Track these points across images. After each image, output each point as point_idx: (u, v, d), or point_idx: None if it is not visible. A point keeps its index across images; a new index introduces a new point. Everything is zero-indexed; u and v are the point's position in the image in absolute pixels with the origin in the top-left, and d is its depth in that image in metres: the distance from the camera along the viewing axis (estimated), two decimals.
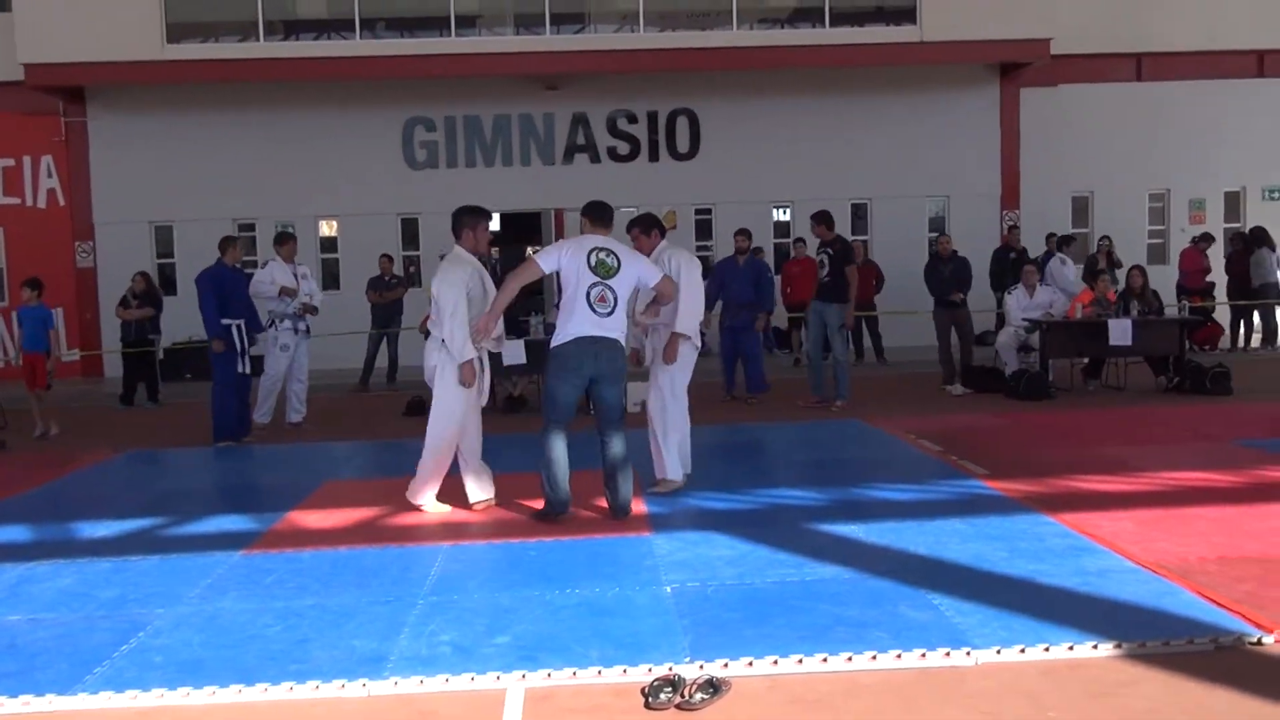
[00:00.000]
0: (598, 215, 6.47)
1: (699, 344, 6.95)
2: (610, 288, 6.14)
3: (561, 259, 6.16)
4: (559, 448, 6.22)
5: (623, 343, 6.30)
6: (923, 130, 17.05)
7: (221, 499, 7.53)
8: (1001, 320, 13.20)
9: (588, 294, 6.10)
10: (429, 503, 6.66)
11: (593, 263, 6.14)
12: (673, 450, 6.91)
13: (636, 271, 6.30)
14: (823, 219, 10.79)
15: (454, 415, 6.45)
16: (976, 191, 17.34)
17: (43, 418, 10.82)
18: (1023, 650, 3.97)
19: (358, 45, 15.72)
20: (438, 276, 6.44)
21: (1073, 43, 16.50)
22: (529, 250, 17.35)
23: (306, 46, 15.84)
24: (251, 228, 16.63)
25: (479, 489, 6.70)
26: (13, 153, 16.65)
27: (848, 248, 10.85)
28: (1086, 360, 11.97)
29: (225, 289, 9.58)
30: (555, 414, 6.23)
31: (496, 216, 16.46)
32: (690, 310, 6.81)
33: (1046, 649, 3.98)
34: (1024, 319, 11.88)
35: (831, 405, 10.65)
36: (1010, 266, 14.21)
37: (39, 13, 15.24)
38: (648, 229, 7.01)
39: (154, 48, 15.42)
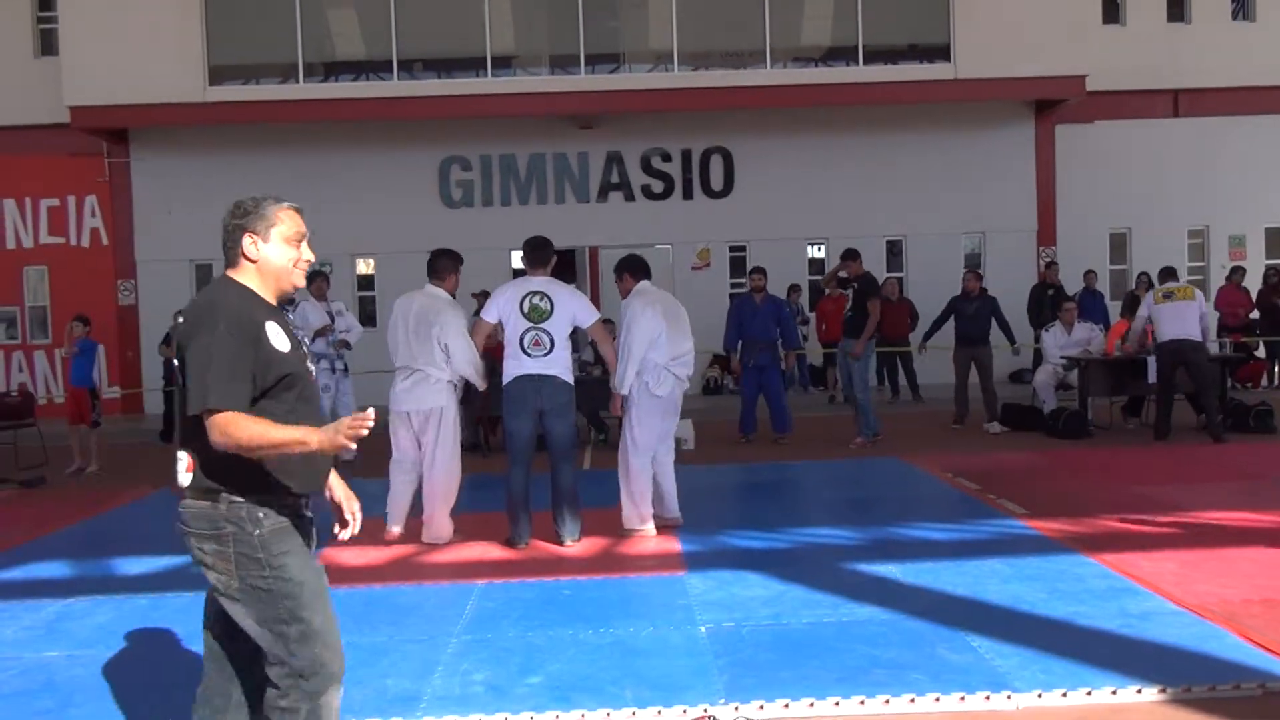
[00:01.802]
0: (533, 256, 6.64)
1: (659, 393, 6.72)
2: (545, 331, 6.39)
3: (500, 308, 6.45)
4: (517, 484, 6.51)
5: (565, 378, 6.48)
6: (957, 167, 17.01)
7: None
8: (1039, 357, 13.08)
9: (522, 339, 6.38)
10: (448, 534, 6.84)
11: (525, 309, 6.40)
12: (633, 499, 6.82)
13: (572, 311, 6.48)
14: (852, 256, 10.82)
15: (458, 452, 6.76)
16: (1013, 228, 17.27)
17: (83, 454, 10.93)
18: (1065, 694, 3.90)
19: (395, 86, 15.94)
20: (449, 323, 6.59)
21: (1108, 79, 16.45)
22: None
23: (345, 87, 16.08)
24: None
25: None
26: (58, 193, 16.99)
27: (872, 282, 10.85)
28: (1126, 398, 11.81)
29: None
30: (512, 450, 6.54)
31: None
32: (621, 363, 6.69)
33: (1089, 693, 3.91)
34: (1062, 356, 11.76)
35: (851, 442, 10.58)
36: (1048, 303, 14.11)
37: (84, 56, 15.57)
38: (619, 274, 7.07)
39: (196, 90, 15.71)
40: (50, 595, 5.83)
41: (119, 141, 16.87)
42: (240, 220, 3.08)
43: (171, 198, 16.79)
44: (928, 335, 12.52)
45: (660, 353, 6.67)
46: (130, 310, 16.97)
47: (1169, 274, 11.12)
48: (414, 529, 6.95)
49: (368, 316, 16.71)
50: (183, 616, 5.32)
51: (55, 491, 9.86)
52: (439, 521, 6.76)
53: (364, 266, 17.36)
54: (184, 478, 2.90)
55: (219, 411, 2.76)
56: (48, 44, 16.90)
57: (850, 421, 11.29)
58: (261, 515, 2.88)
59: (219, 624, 3.03)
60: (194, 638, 4.92)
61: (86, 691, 4.28)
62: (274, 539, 2.90)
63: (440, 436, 6.63)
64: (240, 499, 2.87)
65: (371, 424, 2.70)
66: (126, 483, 9.94)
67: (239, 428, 2.74)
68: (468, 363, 6.57)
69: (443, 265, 6.84)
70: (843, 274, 10.98)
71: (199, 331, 2.89)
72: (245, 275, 3.05)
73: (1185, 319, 10.29)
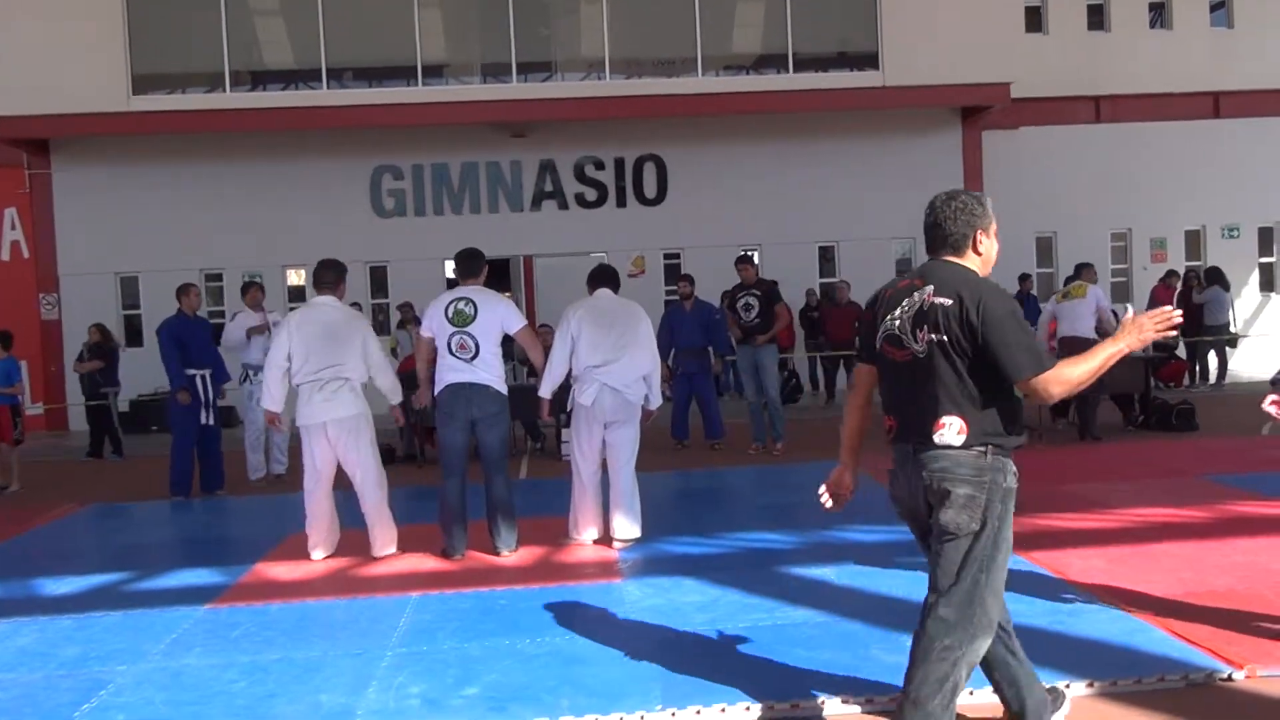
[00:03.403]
0: (463, 267, 6.73)
1: (583, 401, 6.65)
2: (469, 334, 6.41)
3: (431, 319, 6.52)
4: (451, 495, 6.51)
5: (495, 387, 6.49)
6: (887, 173, 17.23)
7: (187, 552, 7.42)
8: None
9: (449, 343, 6.43)
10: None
11: (450, 314, 6.45)
12: (575, 509, 6.84)
13: (498, 317, 6.51)
14: (747, 261, 10.95)
15: (379, 460, 6.77)
16: None
17: (3, 472, 10.66)
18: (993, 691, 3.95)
19: (324, 95, 15.77)
20: (371, 336, 6.72)
21: (1033, 86, 16.78)
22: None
23: (273, 97, 15.88)
24: (219, 278, 16.56)
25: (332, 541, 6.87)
26: None
27: (774, 289, 10.94)
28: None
29: (186, 339, 9.48)
30: (445, 458, 6.57)
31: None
32: (546, 372, 6.74)
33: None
34: None
35: (774, 448, 10.61)
36: None
37: (4, 64, 15.19)
38: (588, 282, 7.07)
39: (119, 99, 15.41)
40: None
41: (39, 152, 16.47)
42: (975, 218, 3.51)
43: (94, 209, 16.44)
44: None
45: (582, 358, 6.60)
46: (54, 324, 16.56)
47: (1077, 272, 11.41)
48: (346, 546, 6.87)
49: None
50: (109, 636, 5.21)
51: None
52: (384, 531, 6.72)
53: (295, 277, 17.13)
54: (954, 438, 3.29)
55: (1045, 371, 3.21)
56: None
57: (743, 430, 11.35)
58: (1012, 470, 3.38)
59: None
60: (118, 657, 4.83)
61: (10, 715, 4.17)
62: (1011, 495, 3.37)
63: (367, 443, 6.62)
64: (1002, 454, 3.34)
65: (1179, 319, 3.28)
66: (50, 500, 9.69)
67: (1068, 374, 3.25)
68: (392, 379, 6.83)
69: (334, 276, 6.83)
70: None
71: (998, 305, 3.26)
72: (969, 262, 3.49)
73: (1077, 317, 10.67)
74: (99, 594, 6.17)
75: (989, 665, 3.57)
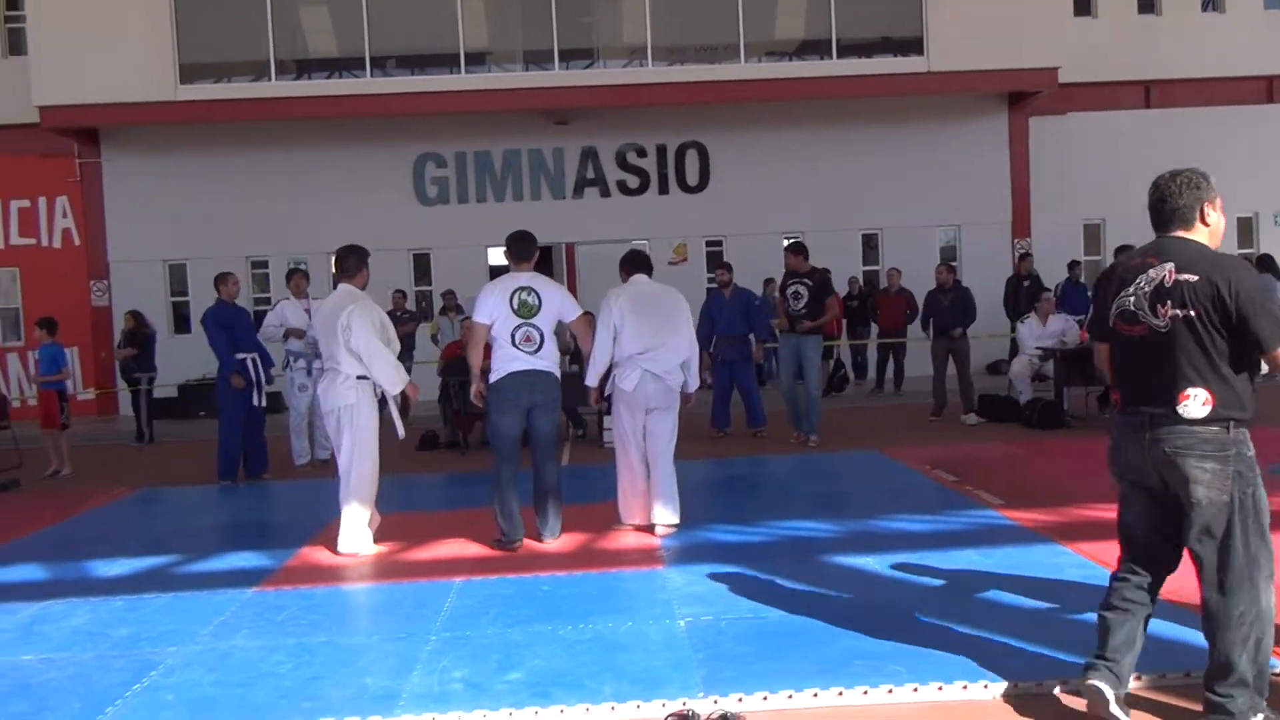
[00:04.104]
0: (517, 251, 6.59)
1: (624, 387, 6.64)
2: (534, 326, 6.36)
3: (491, 307, 6.36)
4: (508, 482, 6.42)
5: (555, 373, 6.49)
6: (932, 160, 17.08)
7: (235, 536, 7.52)
8: (1015, 348, 13.15)
9: (513, 335, 6.33)
10: (367, 545, 6.56)
11: (515, 305, 6.35)
12: (621, 494, 6.86)
13: (557, 307, 6.47)
14: (799, 250, 10.71)
15: (375, 452, 6.59)
16: (987, 220, 17.36)
17: (56, 457, 10.85)
18: (1039, 684, 3.93)
19: (368, 83, 15.87)
20: (354, 320, 6.42)
21: (1081, 71, 16.56)
22: None
23: (318, 85, 15.99)
24: (265, 265, 16.74)
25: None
26: (29, 194, 16.85)
27: (827, 279, 10.71)
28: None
29: (230, 325, 9.60)
30: (501, 446, 6.46)
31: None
32: (590, 362, 6.73)
33: (1065, 682, 3.93)
34: (1037, 347, 11.83)
35: (807, 440, 10.48)
36: (1024, 294, 14.19)
37: (53, 55, 15.42)
38: (619, 270, 7.06)
39: (167, 89, 15.59)
40: (26, 598, 5.77)
41: (89, 141, 16.73)
42: (1200, 191, 3.54)
43: (143, 197, 16.67)
44: (924, 329, 12.45)
45: (625, 346, 6.61)
46: (104, 311, 16.83)
47: (1118, 256, 11.01)
48: (389, 531, 6.93)
49: None
50: (159, 617, 5.29)
51: (30, 494, 9.77)
52: (353, 531, 6.50)
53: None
54: (1199, 410, 3.38)
55: None
56: (16, 43, 16.76)
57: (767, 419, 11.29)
58: (1250, 442, 3.44)
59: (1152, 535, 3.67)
60: (167, 638, 4.90)
61: (62, 694, 4.24)
62: (1255, 462, 3.44)
63: (354, 436, 6.46)
64: (1242, 428, 3.42)
65: None
66: (100, 484, 9.86)
67: None
68: (381, 368, 6.39)
69: (350, 264, 6.76)
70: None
71: (1249, 280, 3.38)
72: (1198, 236, 3.54)
73: None
74: (149, 576, 6.27)
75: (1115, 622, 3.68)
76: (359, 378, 6.44)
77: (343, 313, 6.42)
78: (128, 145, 16.78)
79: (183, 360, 15.82)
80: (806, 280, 10.46)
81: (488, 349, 6.51)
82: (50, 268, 16.79)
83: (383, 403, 6.62)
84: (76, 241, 16.96)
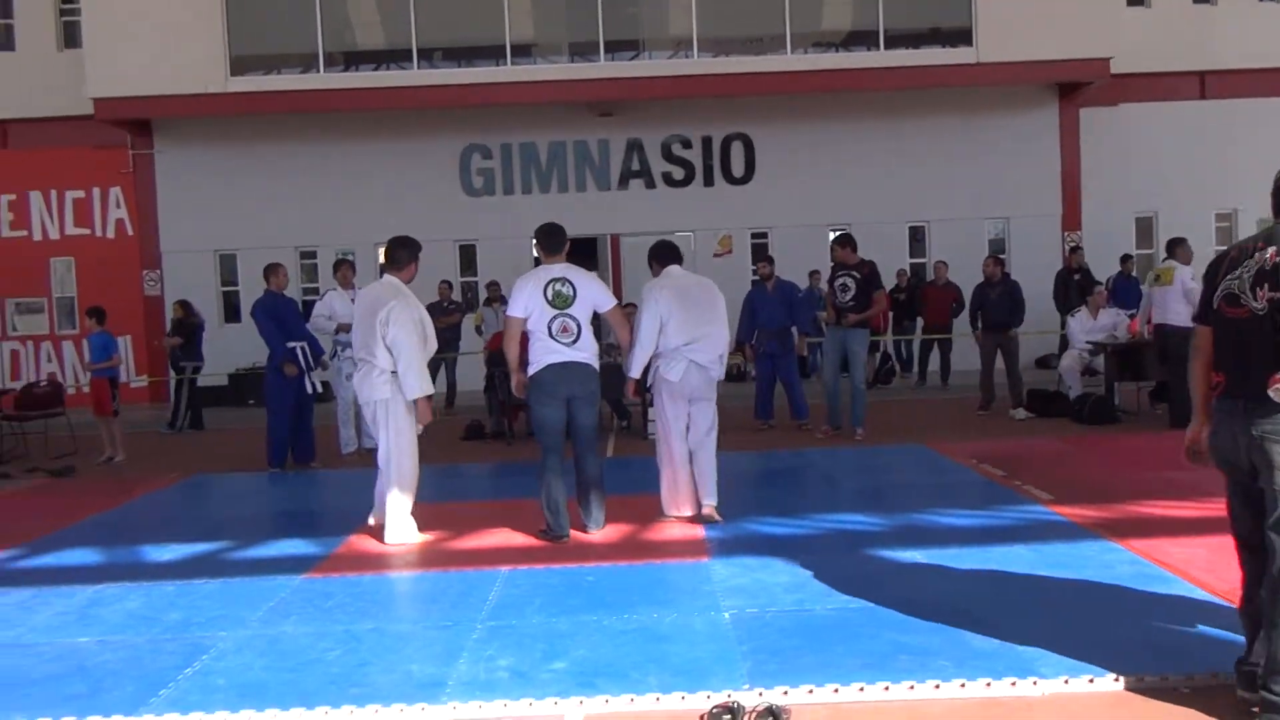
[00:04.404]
0: (548, 243, 6.57)
1: (670, 377, 6.67)
2: (571, 316, 6.34)
3: (526, 300, 6.35)
4: (555, 475, 6.42)
5: (593, 365, 6.47)
6: (980, 152, 16.91)
7: (284, 523, 7.60)
8: (1065, 343, 13.00)
9: (549, 327, 6.32)
10: (413, 534, 6.60)
11: (550, 296, 6.34)
12: (668, 487, 6.86)
13: (593, 297, 6.46)
14: (847, 242, 10.59)
15: (414, 446, 6.60)
16: (1037, 213, 17.16)
17: (110, 443, 11.03)
18: (1091, 680, 3.88)
19: (415, 75, 15.96)
20: (392, 316, 6.40)
21: (1134, 61, 16.30)
22: None
23: (365, 77, 16.11)
24: (313, 255, 16.91)
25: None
26: (83, 184, 17.12)
27: (875, 272, 10.56)
28: (1154, 383, 11.72)
29: (279, 315, 9.69)
30: (546, 438, 6.45)
31: None
32: (632, 353, 6.72)
33: (1117, 679, 3.88)
34: (1088, 341, 11.68)
35: (855, 434, 10.37)
36: (1074, 288, 14.01)
37: (108, 48, 15.66)
38: (649, 263, 7.07)
39: (218, 80, 15.78)
40: (81, 582, 5.88)
41: (142, 133, 16.97)
42: None
43: (194, 188, 16.89)
44: (973, 324, 12.30)
45: (671, 337, 6.63)
46: (156, 300, 17.09)
47: (1170, 250, 10.73)
48: (435, 520, 6.98)
49: None
50: (209, 602, 5.36)
51: (85, 480, 9.95)
52: (398, 522, 6.54)
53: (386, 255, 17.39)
54: None
55: None
56: (71, 37, 17.01)
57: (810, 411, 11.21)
58: None
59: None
60: (219, 623, 4.97)
61: (116, 677, 4.31)
62: None
63: (393, 429, 6.49)
64: None
65: None
66: (152, 471, 10.02)
67: None
68: (409, 367, 6.36)
69: (401, 256, 6.74)
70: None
71: None
72: None
73: (1167, 304, 10.24)
74: (200, 562, 6.36)
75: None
76: (393, 372, 6.44)
77: (384, 307, 6.42)
78: (179, 137, 17.01)
79: (233, 349, 16.05)
80: (854, 273, 10.38)
81: (525, 341, 6.50)
82: (104, 257, 17.07)
83: None
84: (129, 232, 17.23)
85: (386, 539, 6.54)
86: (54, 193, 17.15)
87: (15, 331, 17.32)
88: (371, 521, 6.85)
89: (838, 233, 10.93)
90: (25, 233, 17.19)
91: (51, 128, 16.96)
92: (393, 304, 6.43)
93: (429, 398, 6.52)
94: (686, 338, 6.64)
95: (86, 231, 17.22)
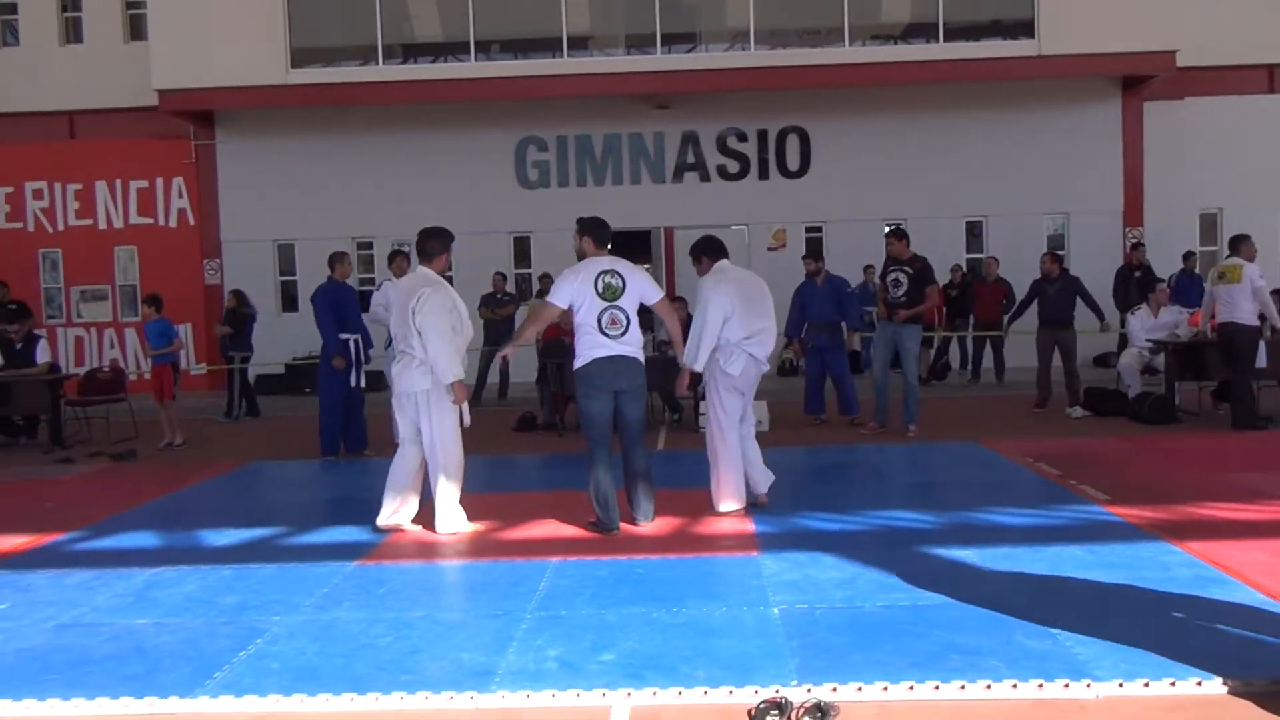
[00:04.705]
0: (597, 236, 6.56)
1: (731, 371, 6.70)
2: (620, 309, 6.35)
3: (572, 291, 6.34)
4: (604, 468, 6.43)
5: (640, 358, 6.47)
6: (1040, 146, 16.67)
7: (337, 510, 7.68)
8: (1124, 341, 12.78)
9: (599, 319, 6.31)
10: (464, 524, 6.63)
11: (600, 288, 6.34)
12: (725, 481, 6.82)
13: (640, 289, 6.45)
14: (899, 235, 10.49)
15: (458, 434, 6.59)
16: (1097, 209, 16.88)
17: (170, 429, 11.24)
18: (1147, 684, 3.81)
19: (472, 67, 16.05)
20: (422, 304, 6.41)
21: (1200, 54, 15.97)
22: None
23: (423, 69, 16.23)
24: (370, 245, 17.07)
25: (406, 513, 6.73)
26: (147, 174, 17.44)
27: (928, 267, 10.45)
28: (1217, 383, 11.48)
29: (338, 304, 9.79)
30: (594, 432, 6.45)
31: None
32: (693, 341, 6.69)
33: (1173, 684, 3.81)
34: (1148, 340, 11.48)
35: (907, 430, 10.26)
36: (1135, 285, 13.77)
37: (172, 41, 15.93)
38: (696, 258, 7.05)
39: (279, 73, 15.98)
40: (140, 564, 6.00)
41: (205, 124, 17.25)
42: None
43: (254, 179, 17.14)
44: (1012, 319, 12.20)
45: (733, 331, 6.65)
46: (216, 289, 17.36)
47: (1233, 247, 10.48)
48: (484, 510, 7.03)
49: None
50: (264, 587, 5.44)
51: (145, 464, 10.14)
52: (448, 511, 6.58)
53: None
54: None
55: None
56: (137, 29, 17.32)
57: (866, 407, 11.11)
58: None
59: None
60: (273, 607, 5.05)
61: (173, 658, 4.39)
62: None
63: (436, 420, 6.49)
64: None
65: None
66: (210, 457, 10.20)
67: None
68: (438, 353, 6.36)
69: (432, 247, 6.71)
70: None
71: None
72: None
73: (1234, 302, 10.02)
74: (255, 547, 6.46)
75: None
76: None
77: (414, 296, 6.46)
78: (240, 128, 17.26)
79: (290, 338, 16.29)
80: (907, 268, 10.28)
81: (554, 329, 6.50)
82: (166, 246, 17.39)
83: None
84: (191, 221, 17.53)
85: (438, 528, 6.59)
86: (119, 182, 17.50)
87: (80, 318, 17.70)
88: (380, 523, 6.71)
89: (891, 227, 10.82)
90: (91, 221, 17.56)
91: (117, 119, 17.31)
92: (423, 291, 6.45)
93: (463, 381, 6.52)
94: (746, 332, 6.70)
95: (149, 221, 17.54)
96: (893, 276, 10.30)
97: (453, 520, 6.60)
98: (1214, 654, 4.07)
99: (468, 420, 6.70)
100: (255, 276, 16.94)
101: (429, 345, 6.38)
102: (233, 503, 8.14)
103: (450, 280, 12.19)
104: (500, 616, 4.83)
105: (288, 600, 5.19)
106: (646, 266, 17.22)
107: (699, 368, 6.73)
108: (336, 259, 10.02)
